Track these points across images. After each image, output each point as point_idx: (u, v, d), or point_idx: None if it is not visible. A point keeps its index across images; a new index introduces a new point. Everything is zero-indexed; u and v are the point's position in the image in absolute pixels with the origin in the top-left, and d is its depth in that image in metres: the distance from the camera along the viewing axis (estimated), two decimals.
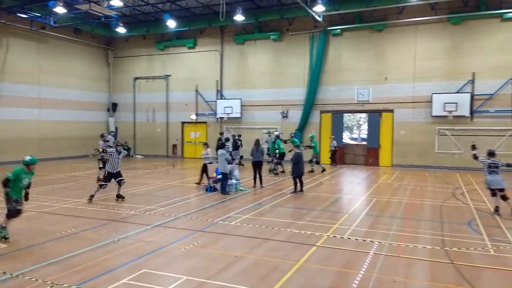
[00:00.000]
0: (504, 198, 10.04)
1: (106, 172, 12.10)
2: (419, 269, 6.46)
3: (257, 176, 14.55)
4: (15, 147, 22.48)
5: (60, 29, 24.02)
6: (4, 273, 6.04)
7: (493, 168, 10.16)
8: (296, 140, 17.44)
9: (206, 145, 14.81)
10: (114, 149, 12.35)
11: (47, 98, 24.57)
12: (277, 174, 18.10)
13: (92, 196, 11.64)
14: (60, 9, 19.38)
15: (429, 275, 6.19)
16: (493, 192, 10.25)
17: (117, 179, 11.90)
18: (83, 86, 27.12)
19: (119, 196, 11.92)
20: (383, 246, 7.47)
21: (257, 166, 14.56)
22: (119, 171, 11.97)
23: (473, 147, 11.27)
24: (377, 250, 7.22)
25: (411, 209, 10.96)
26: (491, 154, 10.40)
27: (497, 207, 10.19)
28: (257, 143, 15.00)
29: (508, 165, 10.27)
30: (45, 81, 24.45)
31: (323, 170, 19.02)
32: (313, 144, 19.21)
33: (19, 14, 21.16)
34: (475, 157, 10.84)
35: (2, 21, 21.17)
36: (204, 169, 14.39)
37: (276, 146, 18.37)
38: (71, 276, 5.98)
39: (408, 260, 6.78)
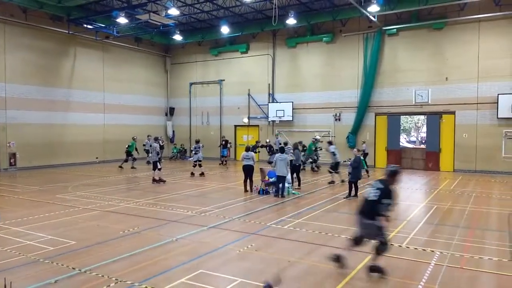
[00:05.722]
0: None
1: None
2: (484, 282, 6.09)
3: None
4: (83, 150, 24.26)
5: (122, 38, 25.50)
6: (73, 268, 6.51)
7: None
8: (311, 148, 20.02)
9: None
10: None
11: (111, 103, 26.15)
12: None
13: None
14: (122, 20, 20.59)
15: None
16: None
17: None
18: (143, 91, 28.55)
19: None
20: (445, 257, 7.11)
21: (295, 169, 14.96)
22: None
23: None
24: (439, 261, 6.89)
25: (475, 218, 10.32)
26: None
27: None
28: (296, 146, 15.63)
29: None
30: (109, 87, 26.05)
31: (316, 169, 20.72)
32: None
33: (85, 25, 22.73)
34: None
35: (70, 32, 22.86)
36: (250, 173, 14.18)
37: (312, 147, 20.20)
38: (134, 273, 6.31)
39: (472, 272, 6.40)
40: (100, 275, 6.22)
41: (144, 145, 23.66)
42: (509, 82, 19.24)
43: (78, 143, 24.01)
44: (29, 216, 10.30)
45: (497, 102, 19.25)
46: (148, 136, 24.13)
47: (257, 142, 23.44)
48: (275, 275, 2.22)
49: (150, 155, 21.91)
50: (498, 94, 19.24)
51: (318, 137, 21.32)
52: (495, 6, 19.14)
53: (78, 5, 21.35)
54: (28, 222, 9.75)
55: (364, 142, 20.86)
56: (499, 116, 19.32)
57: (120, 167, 21.99)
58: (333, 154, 16.20)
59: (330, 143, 16.99)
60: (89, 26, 22.84)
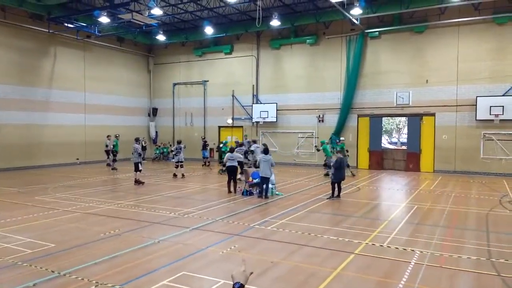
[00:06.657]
0: None
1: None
2: (463, 280, 6.21)
3: None
4: (63, 151, 23.79)
5: (104, 38, 25.11)
6: (52, 271, 6.37)
7: None
8: (327, 147, 18.98)
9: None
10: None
11: (92, 104, 25.71)
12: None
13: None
14: (104, 19, 20.31)
15: (474, 287, 5.94)
16: None
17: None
18: (126, 92, 28.18)
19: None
20: (425, 256, 7.23)
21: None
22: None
23: None
24: (419, 260, 7.00)
25: (454, 218, 10.54)
26: None
27: None
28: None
29: None
30: (90, 87, 25.61)
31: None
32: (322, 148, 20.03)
33: (66, 24, 22.28)
34: None
35: (51, 31, 22.40)
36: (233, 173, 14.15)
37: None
38: (115, 276, 6.22)
39: (451, 271, 6.52)
40: (79, 278, 6.10)
41: (106, 145, 22.84)
42: (487, 85, 19.73)
43: (58, 144, 23.52)
44: (7, 219, 10.04)
45: (476, 105, 19.70)
46: (107, 136, 22.87)
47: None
48: (241, 272, 2.19)
49: (111, 156, 22.11)
50: (477, 97, 19.70)
51: (342, 138, 21.24)
52: (475, 11, 19.61)
53: (59, 4, 20.90)
54: (6, 224, 9.50)
55: (329, 143, 20.85)
56: (477, 118, 19.78)
57: (114, 169, 21.66)
58: (252, 152, 16.54)
59: (254, 141, 17.20)
60: (70, 25, 22.39)
